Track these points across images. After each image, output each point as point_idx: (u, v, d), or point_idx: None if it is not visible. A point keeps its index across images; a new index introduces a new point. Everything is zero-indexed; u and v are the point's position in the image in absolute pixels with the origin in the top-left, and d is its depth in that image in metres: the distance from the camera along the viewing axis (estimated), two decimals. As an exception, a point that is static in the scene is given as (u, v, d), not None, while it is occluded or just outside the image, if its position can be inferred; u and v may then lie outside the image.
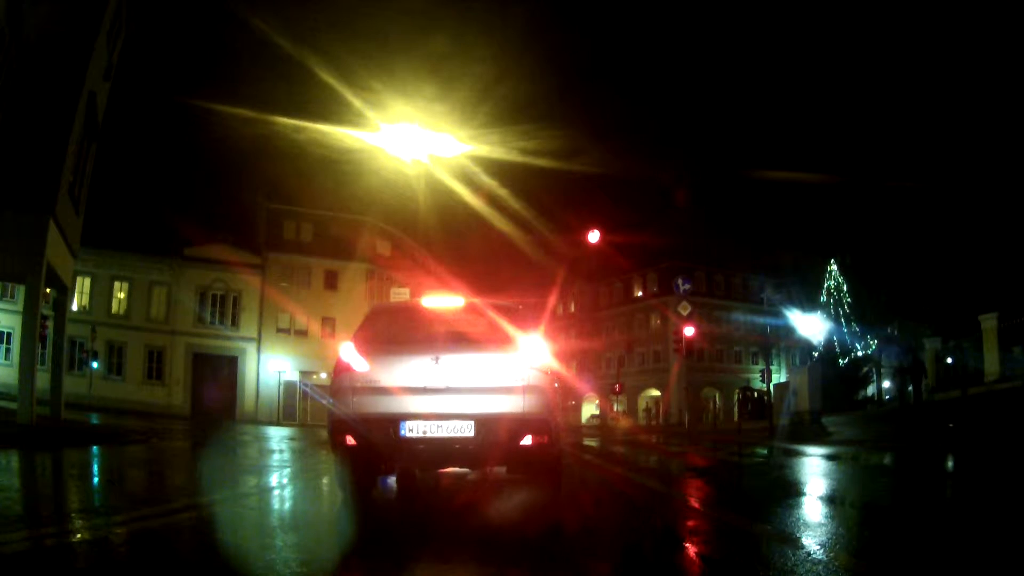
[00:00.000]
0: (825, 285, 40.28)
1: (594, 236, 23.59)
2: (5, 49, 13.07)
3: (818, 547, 3.86)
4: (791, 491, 7.06)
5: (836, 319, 39.18)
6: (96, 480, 7.87)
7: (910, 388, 23.87)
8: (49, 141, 14.20)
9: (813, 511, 5.63)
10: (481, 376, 5.25)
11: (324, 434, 5.65)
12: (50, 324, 17.73)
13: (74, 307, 31.09)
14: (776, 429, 20.23)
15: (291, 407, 39.34)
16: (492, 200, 26.46)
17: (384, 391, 5.22)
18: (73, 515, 4.80)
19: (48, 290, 16.44)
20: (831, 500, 6.30)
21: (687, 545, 4.24)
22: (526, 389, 5.23)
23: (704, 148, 68.64)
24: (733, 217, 55.68)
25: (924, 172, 45.92)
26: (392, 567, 3.53)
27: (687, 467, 10.99)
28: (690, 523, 5.19)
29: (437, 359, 5.24)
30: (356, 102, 18.91)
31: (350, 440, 5.19)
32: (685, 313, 25.90)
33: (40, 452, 10.21)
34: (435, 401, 5.16)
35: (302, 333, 40.22)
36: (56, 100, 14.31)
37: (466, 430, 5.11)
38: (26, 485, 6.99)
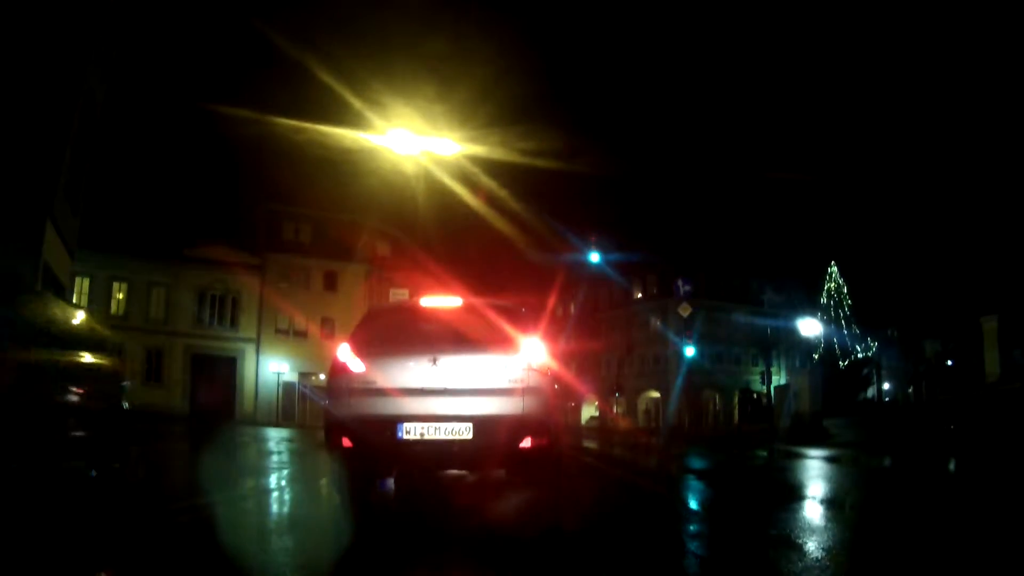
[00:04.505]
0: (825, 287, 40.26)
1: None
2: (5, 49, 13.04)
3: (818, 549, 3.83)
4: (792, 493, 7.03)
5: (836, 321, 39.16)
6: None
7: (910, 390, 23.84)
8: (46, 141, 14.16)
9: (813, 513, 5.59)
10: (479, 377, 5.19)
11: (323, 435, 5.57)
12: (48, 325, 17.64)
13: (73, 308, 31.00)
14: (777, 431, 20.18)
15: (290, 408, 39.28)
16: (491, 200, 26.39)
17: (381, 392, 5.15)
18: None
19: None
20: (831, 503, 6.26)
21: (687, 546, 4.20)
22: (525, 391, 5.16)
23: (704, 148, 68.66)
24: (733, 218, 55.69)
25: (925, 173, 45.94)
26: (390, 571, 3.50)
27: (687, 469, 10.95)
28: (690, 525, 5.16)
29: (435, 360, 5.17)
30: (356, 102, 18.84)
31: (347, 442, 5.13)
32: (686, 314, 25.83)
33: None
34: (433, 403, 5.09)
35: (301, 334, 40.17)
36: (54, 100, 14.27)
37: (464, 432, 5.04)
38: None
